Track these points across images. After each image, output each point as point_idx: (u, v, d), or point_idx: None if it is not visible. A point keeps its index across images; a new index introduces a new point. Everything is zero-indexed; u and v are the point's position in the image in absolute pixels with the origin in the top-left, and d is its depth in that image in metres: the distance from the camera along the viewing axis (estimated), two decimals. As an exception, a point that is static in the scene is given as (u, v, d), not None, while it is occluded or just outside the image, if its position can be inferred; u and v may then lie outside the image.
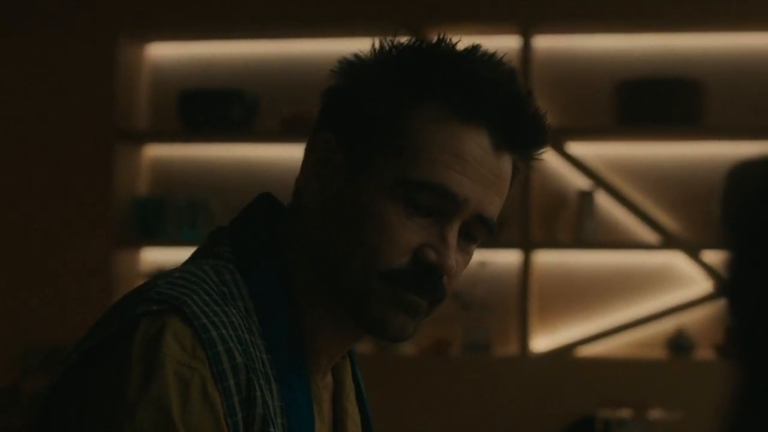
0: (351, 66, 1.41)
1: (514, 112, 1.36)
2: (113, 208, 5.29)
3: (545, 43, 5.17)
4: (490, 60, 1.37)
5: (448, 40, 1.39)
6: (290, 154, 5.15)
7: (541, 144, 1.39)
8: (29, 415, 1.26)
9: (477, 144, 1.35)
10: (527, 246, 5.09)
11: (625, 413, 4.50)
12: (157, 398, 1.21)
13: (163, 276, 1.35)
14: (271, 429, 1.28)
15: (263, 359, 1.32)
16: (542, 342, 5.16)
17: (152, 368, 1.23)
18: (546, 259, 5.19)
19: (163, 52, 5.53)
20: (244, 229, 1.43)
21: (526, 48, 5.08)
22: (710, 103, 5.00)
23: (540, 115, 1.37)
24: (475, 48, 1.38)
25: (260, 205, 1.46)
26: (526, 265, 5.09)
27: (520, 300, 5.10)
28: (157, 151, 5.51)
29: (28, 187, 5.41)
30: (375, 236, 1.34)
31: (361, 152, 1.36)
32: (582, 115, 5.10)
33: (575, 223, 5.09)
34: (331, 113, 1.41)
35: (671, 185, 5.10)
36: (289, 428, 1.31)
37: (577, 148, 5.10)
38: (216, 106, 5.25)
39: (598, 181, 5.10)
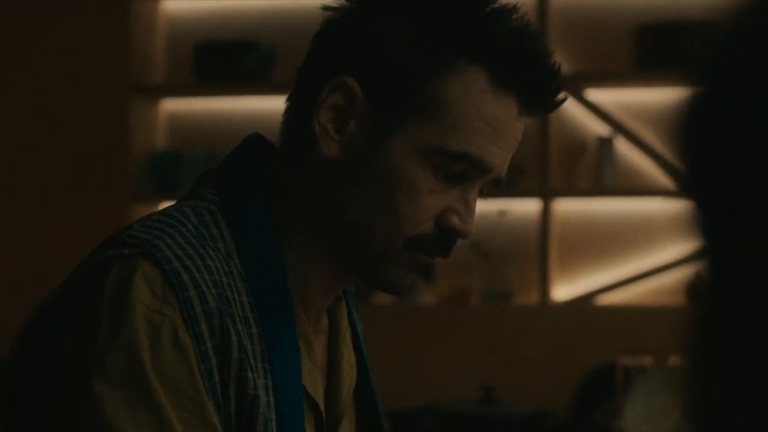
0: None
1: (544, 78, 1.34)
2: (130, 163, 5.28)
3: (562, -12, 5.11)
4: (519, 19, 1.34)
5: None
6: (306, 105, 5.12)
7: (559, 104, 1.38)
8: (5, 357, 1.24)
9: (508, 112, 1.34)
10: (546, 194, 5.05)
11: (646, 360, 4.47)
12: (128, 344, 1.19)
13: (140, 219, 1.33)
14: (249, 374, 1.25)
15: (243, 302, 1.29)
16: (563, 291, 5.13)
17: (122, 314, 1.20)
18: (565, 207, 5.15)
19: (178, 5, 5.50)
20: (228, 170, 1.40)
21: (543, -7, 5.02)
22: (730, 46, 4.93)
23: (560, 75, 1.36)
24: (502, 5, 1.34)
25: (248, 146, 1.44)
26: (546, 213, 5.05)
27: (540, 248, 5.06)
28: (173, 105, 5.49)
29: (44, 143, 5.40)
30: (405, 202, 1.32)
31: (392, 109, 1.33)
32: (600, 60, 5.04)
33: (595, 170, 5.04)
34: (351, 55, 1.36)
35: (691, 130, 5.04)
36: (272, 371, 1.28)
37: (596, 95, 5.04)
38: (232, 59, 5.22)
39: (618, 127, 5.04)
